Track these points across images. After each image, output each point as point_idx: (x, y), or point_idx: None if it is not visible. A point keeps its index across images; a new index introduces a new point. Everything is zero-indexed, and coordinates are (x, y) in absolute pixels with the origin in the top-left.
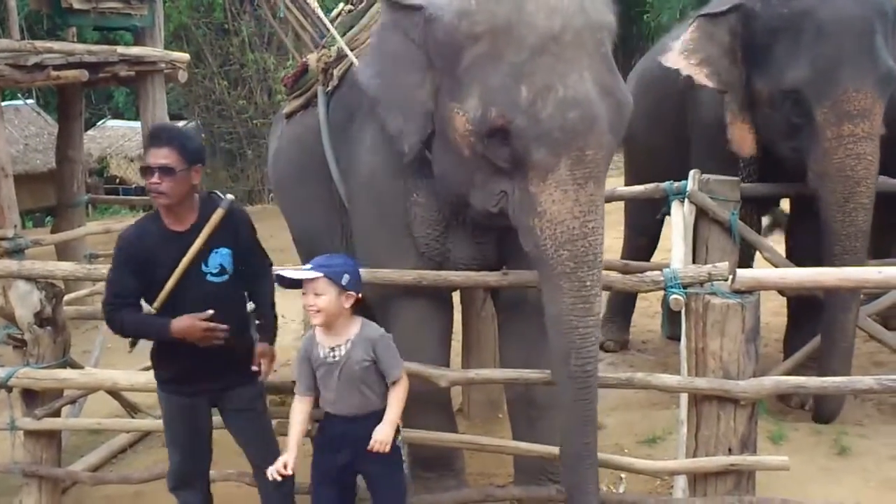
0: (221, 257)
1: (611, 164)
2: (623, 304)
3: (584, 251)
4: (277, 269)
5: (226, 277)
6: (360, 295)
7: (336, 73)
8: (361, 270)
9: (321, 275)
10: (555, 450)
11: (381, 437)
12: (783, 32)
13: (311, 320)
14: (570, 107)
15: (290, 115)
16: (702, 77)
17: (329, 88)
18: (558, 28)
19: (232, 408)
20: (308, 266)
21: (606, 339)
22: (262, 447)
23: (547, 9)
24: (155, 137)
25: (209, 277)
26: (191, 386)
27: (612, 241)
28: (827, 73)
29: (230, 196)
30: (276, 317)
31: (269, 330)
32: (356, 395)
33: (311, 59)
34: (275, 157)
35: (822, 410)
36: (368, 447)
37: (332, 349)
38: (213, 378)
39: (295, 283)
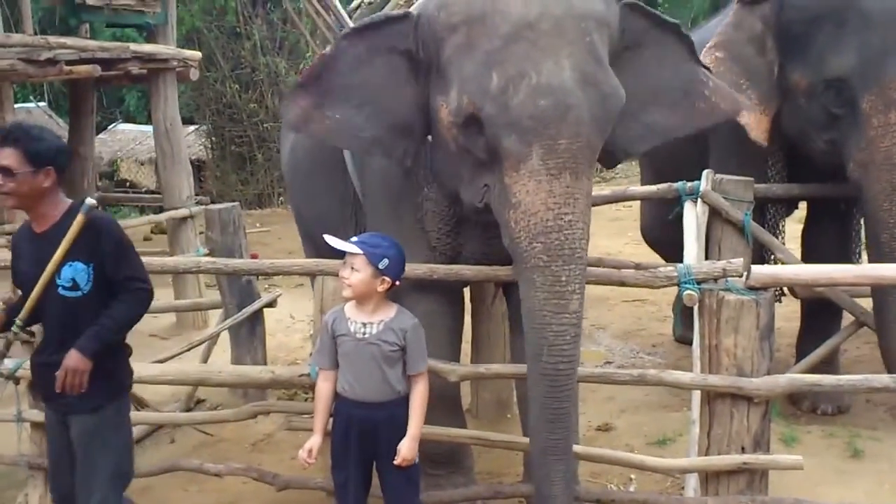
0: (74, 271)
1: (619, 169)
2: None
3: (559, 244)
4: (326, 237)
5: (79, 294)
6: (397, 282)
7: None
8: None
9: (361, 252)
10: None
11: (407, 453)
12: (825, 21)
13: (342, 292)
14: (542, 94)
15: None
16: (720, 65)
17: None
18: (534, 16)
19: (73, 434)
20: (354, 239)
21: None
22: (83, 490)
23: None
24: (2, 137)
25: (61, 291)
26: (44, 395)
27: (624, 246)
28: (874, 60)
29: (90, 200)
30: (113, 332)
31: (93, 338)
32: (378, 379)
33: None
34: (292, 149)
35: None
36: (395, 462)
37: (364, 325)
38: (58, 395)
39: (338, 252)
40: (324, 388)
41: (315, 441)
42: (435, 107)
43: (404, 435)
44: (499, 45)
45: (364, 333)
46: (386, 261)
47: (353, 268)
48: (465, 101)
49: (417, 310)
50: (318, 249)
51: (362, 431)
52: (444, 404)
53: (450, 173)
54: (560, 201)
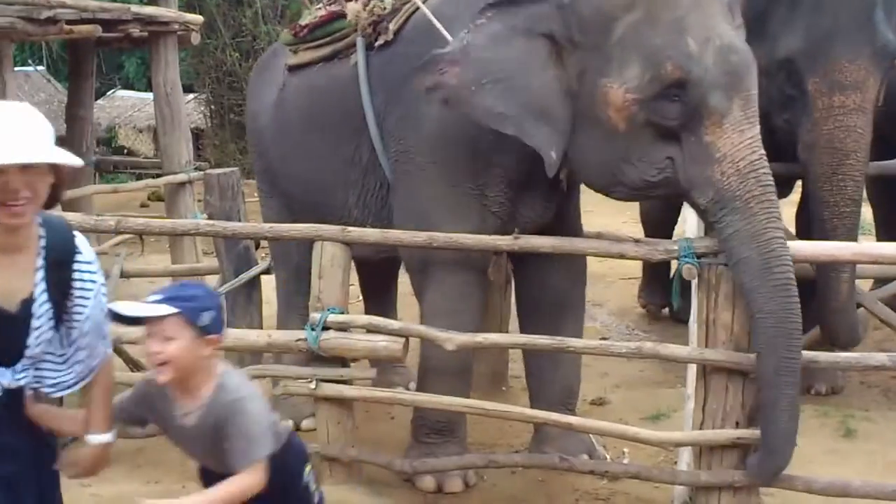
0: None
1: None
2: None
3: (766, 176)
4: (110, 305)
5: None
6: (222, 339)
7: (392, 27)
8: (385, 231)
9: (175, 310)
10: (558, 416)
11: None
12: (779, 2)
13: (156, 377)
14: (729, 53)
15: (299, 66)
16: None
17: (380, 42)
18: None
19: None
20: (156, 297)
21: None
22: None
23: None
24: None
25: None
26: None
27: (622, 224)
28: (820, 43)
29: None
30: None
31: None
32: (225, 460)
33: (352, 8)
34: (277, 104)
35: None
36: None
37: (186, 414)
38: None
39: (135, 321)
40: None
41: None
42: (595, 92)
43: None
44: (682, 15)
45: (185, 424)
46: (208, 314)
47: (164, 337)
48: (669, 68)
49: (451, 283)
50: (301, 206)
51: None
52: (456, 375)
53: (609, 157)
54: (757, 144)
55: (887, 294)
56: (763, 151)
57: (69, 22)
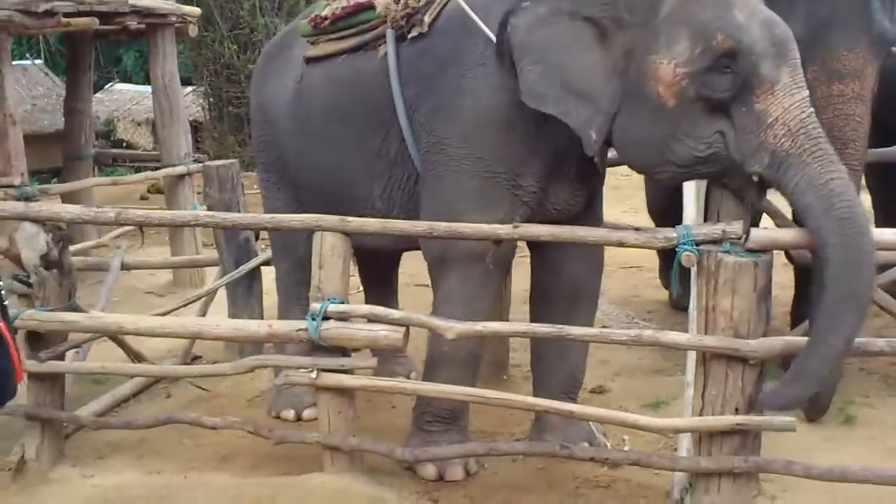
0: None
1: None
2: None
3: (815, 131)
4: None
5: None
6: None
7: (427, 19)
8: (385, 221)
9: None
10: (559, 405)
11: None
12: None
13: None
14: (772, 25)
15: (319, 58)
16: None
17: (414, 34)
18: None
19: None
20: None
21: None
22: None
23: None
24: None
25: None
26: None
27: (622, 214)
28: (819, 31)
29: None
30: None
31: None
32: None
33: (381, 0)
34: (298, 94)
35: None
36: None
37: None
38: None
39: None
40: None
41: None
42: (643, 69)
43: None
44: None
45: None
46: None
47: None
48: (720, 39)
49: (471, 277)
50: (322, 197)
51: None
52: (464, 364)
53: (657, 134)
54: (806, 104)
55: (887, 280)
56: (812, 110)
57: (66, 15)
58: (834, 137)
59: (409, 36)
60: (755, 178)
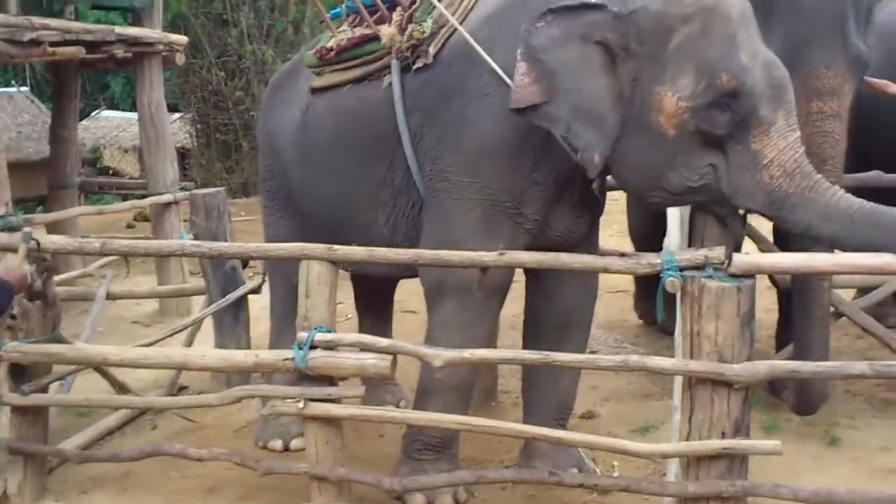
0: None
1: None
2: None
3: (809, 168)
4: None
5: None
6: None
7: (432, 50)
8: (371, 250)
9: None
10: (547, 431)
11: None
12: (757, 10)
13: None
14: (772, 68)
15: (324, 88)
16: None
17: (419, 65)
18: (741, 5)
19: None
20: None
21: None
22: None
23: None
24: None
25: None
26: None
27: (608, 238)
28: (798, 49)
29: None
30: None
31: None
32: None
33: (387, 32)
34: (303, 124)
35: (804, 402)
36: None
37: None
38: None
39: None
40: None
41: None
42: (648, 99)
43: None
44: (734, 30)
45: None
46: None
47: None
48: (724, 79)
49: (467, 308)
50: (328, 226)
51: None
52: (456, 391)
53: (654, 162)
54: (798, 146)
55: (869, 303)
56: (803, 150)
57: (52, 44)
58: (812, 154)
59: (414, 67)
60: (740, 211)
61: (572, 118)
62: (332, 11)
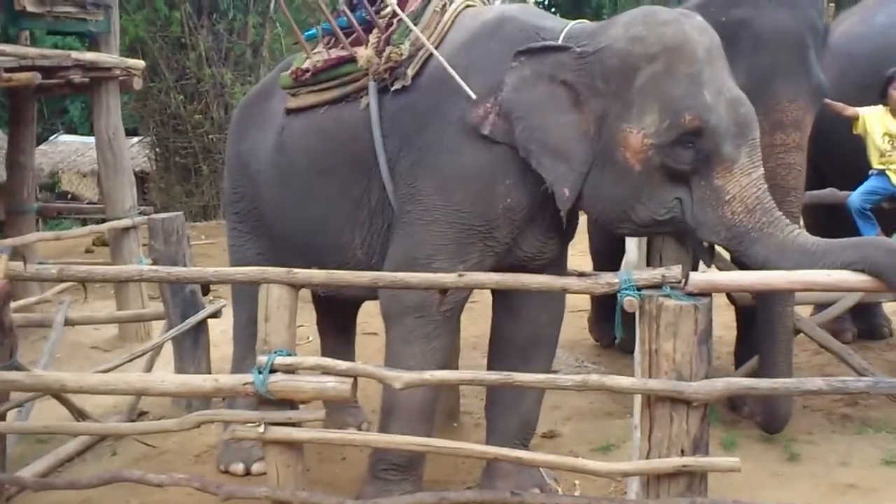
0: None
1: None
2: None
3: (770, 204)
4: None
5: None
6: None
7: (410, 72)
8: (331, 273)
9: None
10: (508, 451)
11: None
12: (721, 41)
13: None
14: (737, 105)
15: (300, 109)
16: None
17: (397, 87)
18: (708, 43)
19: None
20: None
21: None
22: None
23: (699, 28)
24: None
25: None
26: None
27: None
28: (762, 82)
29: None
30: None
31: None
32: None
33: (364, 54)
34: (278, 147)
35: (771, 420)
36: None
37: None
38: None
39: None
40: None
41: None
42: (615, 135)
43: None
44: (699, 69)
45: None
46: None
47: None
48: (687, 118)
49: (423, 331)
50: (303, 248)
51: None
52: (418, 411)
53: (622, 195)
54: (761, 182)
55: (826, 319)
56: (766, 187)
57: (8, 70)
58: (776, 186)
59: (392, 89)
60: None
61: (542, 153)
62: (307, 33)
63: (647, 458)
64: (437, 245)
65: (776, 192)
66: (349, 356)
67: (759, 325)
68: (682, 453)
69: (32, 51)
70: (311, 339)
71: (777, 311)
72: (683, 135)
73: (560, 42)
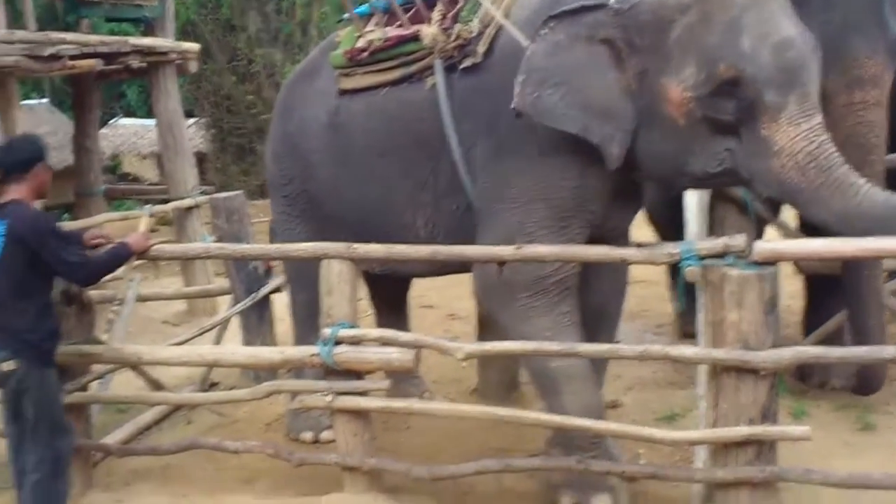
0: None
1: None
2: None
3: (826, 161)
4: None
5: None
6: None
7: (480, 49)
8: (389, 247)
9: None
10: (572, 420)
11: None
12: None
13: None
14: (786, 48)
15: (357, 90)
16: None
17: (467, 65)
18: None
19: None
20: None
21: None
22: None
23: None
24: None
25: None
26: None
27: None
28: (837, 39)
29: None
30: None
31: None
32: None
33: (429, 32)
34: (333, 125)
35: (867, 381)
36: None
37: None
38: None
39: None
40: None
41: None
42: (655, 90)
43: None
44: (737, 15)
45: None
46: None
47: None
48: (722, 68)
49: (536, 310)
50: (360, 227)
51: None
52: (581, 382)
53: (673, 150)
54: (815, 134)
55: None
56: (824, 138)
57: (71, 57)
58: (858, 145)
59: (461, 67)
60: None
61: (586, 116)
62: (357, 10)
63: (715, 427)
64: (538, 223)
65: (857, 151)
66: (404, 330)
67: (846, 290)
68: (751, 423)
69: (93, 38)
70: (369, 313)
71: (864, 273)
72: (721, 85)
73: (595, 1)
